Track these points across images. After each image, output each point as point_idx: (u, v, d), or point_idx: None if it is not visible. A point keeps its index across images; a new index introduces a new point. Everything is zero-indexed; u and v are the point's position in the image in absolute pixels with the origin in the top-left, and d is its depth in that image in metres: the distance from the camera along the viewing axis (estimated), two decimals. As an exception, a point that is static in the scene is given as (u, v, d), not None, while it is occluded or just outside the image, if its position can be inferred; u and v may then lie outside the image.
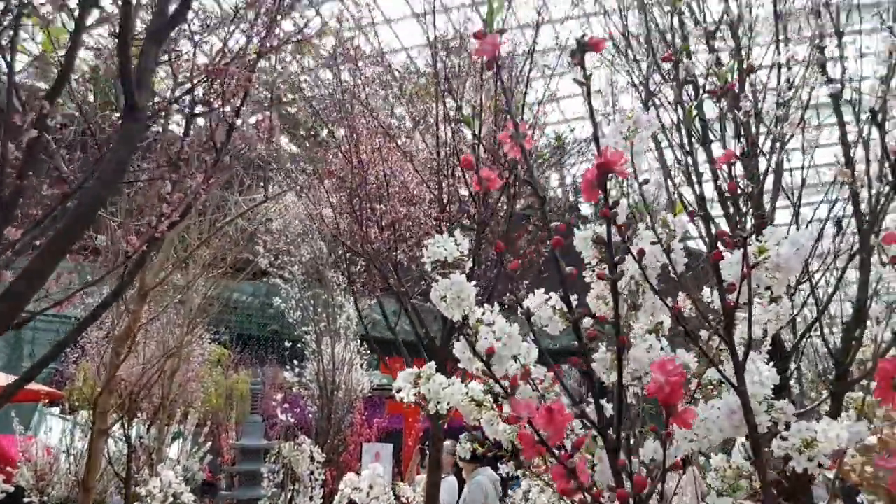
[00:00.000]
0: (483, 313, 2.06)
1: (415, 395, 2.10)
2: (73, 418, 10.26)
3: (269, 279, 8.96)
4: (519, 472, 3.42)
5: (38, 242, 2.32)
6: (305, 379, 9.26)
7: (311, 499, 7.37)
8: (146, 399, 7.25)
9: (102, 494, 7.36)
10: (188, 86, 2.46)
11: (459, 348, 2.00)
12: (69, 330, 2.46)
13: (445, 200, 3.59)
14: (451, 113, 3.69)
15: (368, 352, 9.00)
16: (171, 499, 5.29)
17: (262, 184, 5.34)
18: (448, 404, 2.11)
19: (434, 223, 3.59)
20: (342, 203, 4.19)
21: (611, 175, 1.07)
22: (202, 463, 8.35)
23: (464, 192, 3.73)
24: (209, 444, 8.41)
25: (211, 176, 2.35)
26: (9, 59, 2.14)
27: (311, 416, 8.89)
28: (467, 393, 2.13)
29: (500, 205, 3.46)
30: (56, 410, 16.28)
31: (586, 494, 1.02)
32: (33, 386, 9.86)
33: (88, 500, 4.66)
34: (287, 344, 9.17)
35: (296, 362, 9.01)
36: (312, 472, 7.45)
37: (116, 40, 2.00)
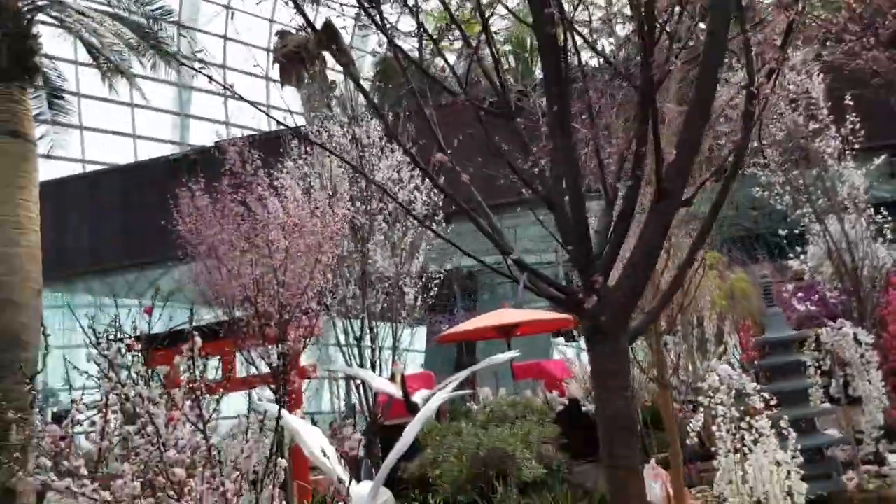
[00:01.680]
0: None
1: None
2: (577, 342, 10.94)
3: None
4: None
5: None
6: (811, 265, 8.09)
7: (869, 381, 6.35)
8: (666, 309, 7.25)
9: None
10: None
11: None
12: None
13: None
14: None
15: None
16: (732, 391, 5.07)
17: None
18: None
19: None
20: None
21: None
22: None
23: None
24: (731, 341, 8.05)
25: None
26: None
27: (832, 300, 7.70)
28: None
29: None
30: (560, 340, 18.35)
31: None
32: (545, 316, 11.08)
33: (666, 395, 4.88)
34: (781, 232, 8.10)
35: (798, 249, 7.91)
36: (862, 356, 6.39)
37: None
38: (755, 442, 4.78)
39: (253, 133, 8.22)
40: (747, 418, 4.81)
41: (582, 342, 17.57)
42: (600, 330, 2.60)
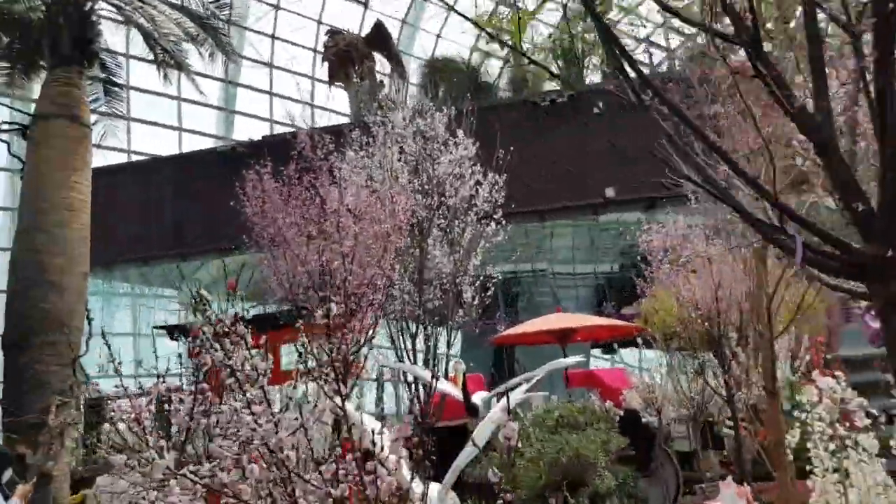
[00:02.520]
0: None
1: None
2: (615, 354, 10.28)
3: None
4: None
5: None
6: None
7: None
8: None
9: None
10: None
11: None
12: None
13: None
14: None
15: None
16: (837, 406, 4.71)
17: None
18: None
19: None
20: None
21: None
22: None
23: None
24: (807, 357, 7.60)
25: None
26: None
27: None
28: None
29: None
30: (597, 351, 17.81)
31: None
32: (607, 322, 10.62)
33: (775, 404, 4.54)
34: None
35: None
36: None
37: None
38: (860, 462, 4.36)
39: (312, 127, 8.00)
40: (853, 435, 4.40)
41: (620, 354, 17.00)
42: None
